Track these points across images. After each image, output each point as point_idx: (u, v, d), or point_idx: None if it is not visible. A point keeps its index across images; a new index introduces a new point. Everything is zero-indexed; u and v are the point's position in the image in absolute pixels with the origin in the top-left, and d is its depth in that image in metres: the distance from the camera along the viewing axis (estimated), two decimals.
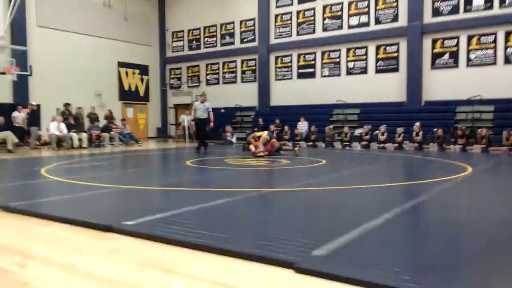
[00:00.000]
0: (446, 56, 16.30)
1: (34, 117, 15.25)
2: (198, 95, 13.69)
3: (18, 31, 17.28)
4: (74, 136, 14.90)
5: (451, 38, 16.20)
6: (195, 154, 12.22)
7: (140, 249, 3.19)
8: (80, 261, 2.91)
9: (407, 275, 2.47)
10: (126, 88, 22.56)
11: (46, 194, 5.80)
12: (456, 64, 16.13)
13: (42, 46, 18.31)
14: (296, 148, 12.23)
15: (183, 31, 23.63)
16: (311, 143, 16.10)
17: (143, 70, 23.38)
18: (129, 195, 5.62)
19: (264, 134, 11.90)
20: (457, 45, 16.11)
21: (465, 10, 15.90)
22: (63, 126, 14.79)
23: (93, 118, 17.09)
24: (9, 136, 13.56)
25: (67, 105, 16.59)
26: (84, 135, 15.50)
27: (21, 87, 17.30)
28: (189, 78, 23.59)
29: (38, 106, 16.19)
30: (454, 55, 16.15)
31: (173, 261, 2.89)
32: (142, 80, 23.38)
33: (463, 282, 2.41)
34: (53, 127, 14.63)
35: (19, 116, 14.91)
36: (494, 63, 15.42)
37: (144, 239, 3.36)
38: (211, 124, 13.27)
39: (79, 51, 19.79)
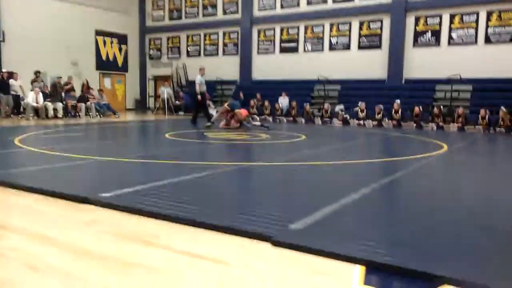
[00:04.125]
0: (428, 34, 16.36)
1: (5, 85, 14.76)
2: (202, 68, 12.96)
3: None
4: (49, 105, 14.54)
5: (434, 16, 16.23)
6: (192, 126, 12.00)
7: (117, 221, 3.16)
8: (56, 233, 2.87)
9: (382, 248, 2.53)
10: (104, 57, 21.99)
11: (21, 165, 5.66)
12: (437, 42, 16.23)
13: (16, 12, 17.59)
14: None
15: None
16: (291, 118, 16.12)
17: (122, 39, 22.76)
18: (107, 167, 5.54)
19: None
20: (439, 23, 16.17)
21: None
22: (40, 97, 14.40)
23: (70, 87, 16.62)
24: None
25: (37, 73, 16.03)
26: (60, 105, 15.12)
27: None
28: (169, 49, 23.12)
29: (11, 73, 15.65)
30: (436, 34, 16.23)
31: (151, 233, 2.88)
32: (120, 49, 22.79)
33: (436, 255, 2.47)
34: (30, 97, 14.23)
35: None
36: (475, 42, 15.58)
37: (122, 211, 3.33)
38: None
39: (55, 17, 19.08)
